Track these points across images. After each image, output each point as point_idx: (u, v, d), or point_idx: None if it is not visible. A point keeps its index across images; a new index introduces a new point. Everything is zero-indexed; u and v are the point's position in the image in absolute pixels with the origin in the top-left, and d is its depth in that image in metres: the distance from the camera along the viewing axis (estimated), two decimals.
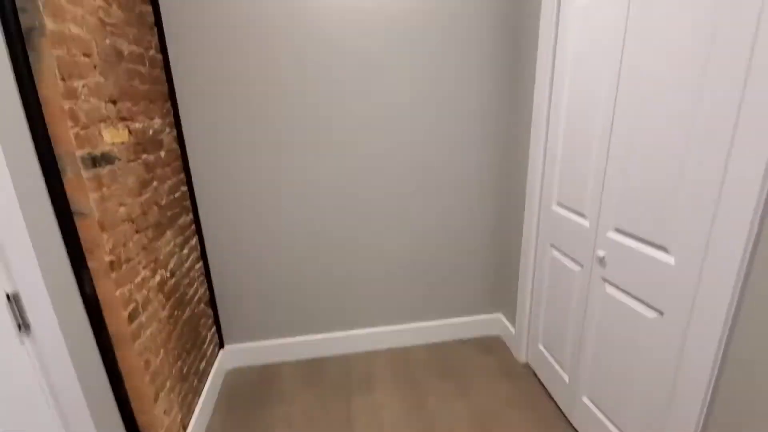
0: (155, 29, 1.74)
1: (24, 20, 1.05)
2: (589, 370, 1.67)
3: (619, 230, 1.44)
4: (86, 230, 1.21)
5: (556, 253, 1.87)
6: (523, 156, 2.08)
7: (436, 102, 2.09)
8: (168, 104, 1.84)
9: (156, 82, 1.72)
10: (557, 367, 1.93)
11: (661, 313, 1.28)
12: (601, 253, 1.51)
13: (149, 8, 1.69)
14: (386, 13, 1.91)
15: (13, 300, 0.94)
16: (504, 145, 2.22)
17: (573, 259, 1.72)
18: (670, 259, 1.23)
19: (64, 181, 1.16)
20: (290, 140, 2.03)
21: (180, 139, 1.94)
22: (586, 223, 1.62)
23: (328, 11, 1.87)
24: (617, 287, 1.46)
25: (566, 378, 1.85)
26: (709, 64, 1.06)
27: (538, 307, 2.08)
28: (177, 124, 1.91)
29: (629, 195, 1.37)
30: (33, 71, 1.07)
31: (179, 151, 1.94)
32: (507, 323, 2.46)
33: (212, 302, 2.23)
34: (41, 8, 1.05)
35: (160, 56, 1.77)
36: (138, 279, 1.45)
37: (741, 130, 0.98)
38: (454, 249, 2.37)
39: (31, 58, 1.07)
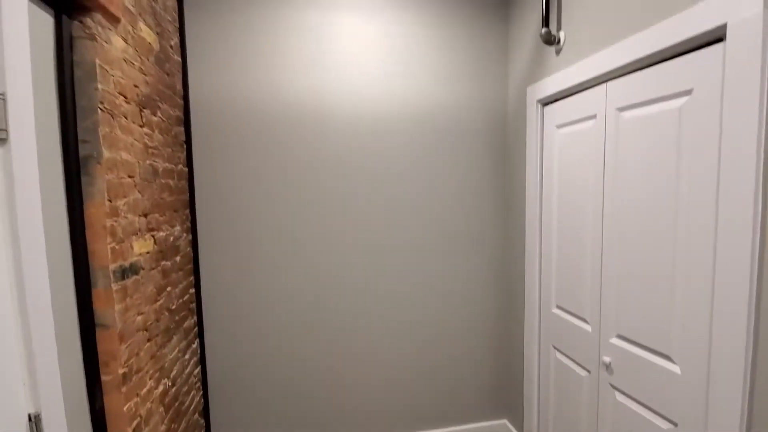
0: (185, 146, 1.92)
1: (83, 150, 1.19)
2: None
3: (621, 337, 1.50)
4: (106, 342, 1.21)
5: (560, 357, 1.89)
6: (521, 262, 2.20)
7: (439, 211, 2.26)
8: (187, 211, 1.95)
9: (181, 193, 1.85)
10: None
11: (675, 424, 1.29)
12: (607, 359, 1.54)
13: (182, 129, 1.89)
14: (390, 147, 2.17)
15: (35, 421, 0.92)
16: (502, 249, 2.35)
17: (579, 364, 1.75)
18: (675, 369, 1.28)
19: (93, 294, 1.19)
20: (297, 252, 2.13)
21: (194, 242, 2.01)
22: (588, 327, 1.68)
23: (343, 128, 2.11)
24: (628, 396, 1.48)
25: None
26: (681, 170, 1.24)
27: (546, 413, 2.03)
28: (193, 228, 2.00)
29: (627, 302, 1.46)
30: (83, 193, 1.18)
31: (192, 254, 2.00)
32: (514, 430, 2.35)
33: (206, 411, 2.11)
34: (101, 140, 1.19)
35: (186, 169, 1.93)
36: (144, 390, 1.41)
37: (721, 240, 1.11)
38: (455, 352, 2.36)
39: (83, 182, 1.18)
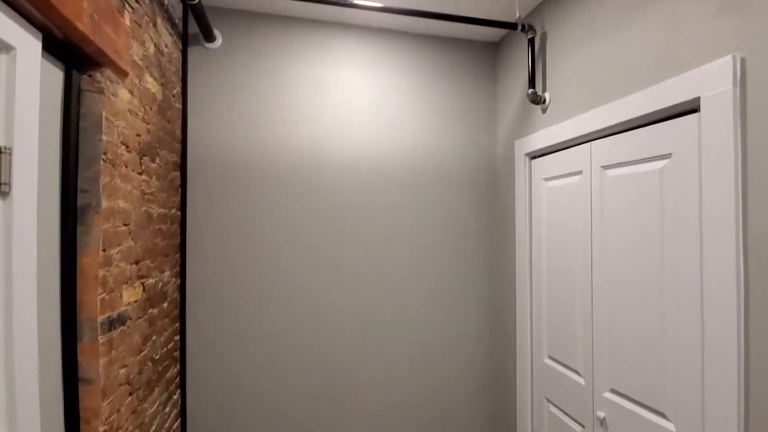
0: (179, 190, 1.92)
1: (82, 199, 1.18)
2: None
3: (615, 391, 1.50)
4: (89, 399, 1.16)
5: (554, 410, 1.86)
6: (511, 311, 2.21)
7: (430, 259, 2.28)
8: (177, 255, 1.93)
9: (173, 237, 1.83)
10: None
11: None
12: (601, 414, 1.53)
13: (178, 174, 1.90)
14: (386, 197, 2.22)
15: None
16: (493, 298, 2.37)
17: (573, 418, 1.72)
18: (670, 426, 1.28)
19: (79, 347, 1.15)
20: (286, 300, 2.10)
21: (182, 287, 1.97)
22: (581, 380, 1.67)
23: (338, 179, 2.15)
24: None
25: None
26: (665, 227, 1.29)
27: None
28: (182, 273, 1.97)
29: (619, 356, 1.47)
30: (78, 243, 1.16)
31: (179, 299, 1.96)
32: None
33: None
34: (101, 190, 1.19)
35: (179, 213, 1.92)
36: None
37: (707, 296, 1.14)
38: (447, 402, 2.30)
39: (79, 232, 1.17)
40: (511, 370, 2.21)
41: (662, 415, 1.31)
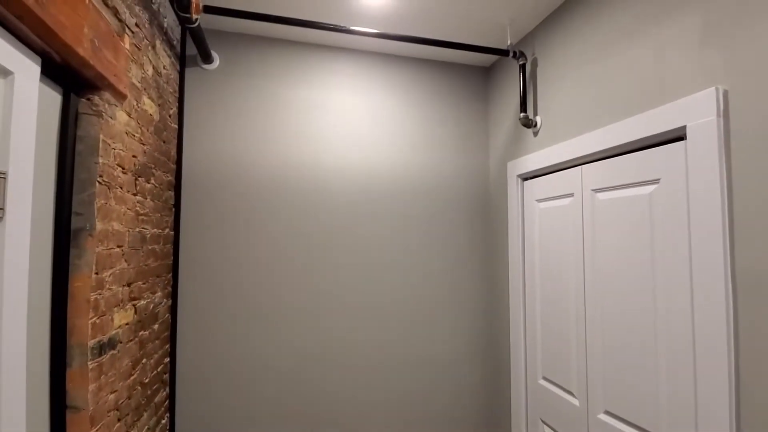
0: (173, 209, 1.91)
1: (76, 222, 1.17)
2: None
3: (609, 413, 1.50)
4: (76, 427, 1.12)
5: (548, 431, 1.85)
6: (505, 332, 2.21)
7: (423, 279, 2.28)
8: (170, 275, 1.91)
9: (165, 257, 1.82)
10: None
11: None
12: None
13: (172, 193, 1.89)
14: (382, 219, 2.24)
15: None
16: (486, 319, 2.37)
17: None
18: None
19: (68, 374, 1.12)
20: (279, 322, 2.08)
21: (173, 307, 1.94)
22: (575, 402, 1.67)
23: (332, 199, 2.16)
24: None
25: None
26: (655, 250, 1.31)
27: None
28: (173, 293, 1.94)
29: (613, 378, 1.48)
30: (70, 266, 1.15)
31: (170, 320, 1.93)
32: None
33: None
34: (96, 212, 1.18)
35: (172, 233, 1.91)
36: None
37: (698, 316, 1.16)
38: (441, 423, 2.28)
39: (71, 255, 1.16)
40: (506, 391, 2.20)
41: None
